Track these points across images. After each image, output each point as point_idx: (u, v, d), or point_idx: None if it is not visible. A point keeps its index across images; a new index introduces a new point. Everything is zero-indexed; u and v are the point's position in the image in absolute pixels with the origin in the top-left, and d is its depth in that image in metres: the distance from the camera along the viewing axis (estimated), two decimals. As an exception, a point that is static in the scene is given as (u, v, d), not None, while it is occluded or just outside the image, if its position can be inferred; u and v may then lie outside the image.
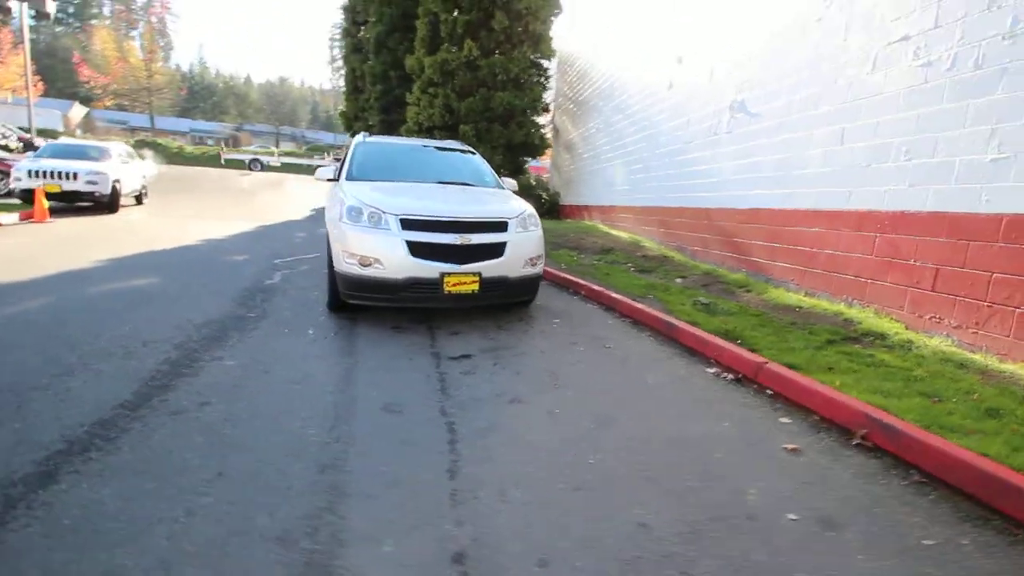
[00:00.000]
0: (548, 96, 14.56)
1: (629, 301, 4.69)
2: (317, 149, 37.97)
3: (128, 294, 4.45)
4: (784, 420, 2.59)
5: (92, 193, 9.72)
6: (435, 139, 12.25)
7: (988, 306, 3.35)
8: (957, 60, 3.61)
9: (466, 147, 5.83)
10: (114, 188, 10.08)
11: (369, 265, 3.73)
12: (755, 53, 6.03)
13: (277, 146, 38.74)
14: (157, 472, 1.88)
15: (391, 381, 2.87)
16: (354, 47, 17.74)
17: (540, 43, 12.60)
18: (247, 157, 30.09)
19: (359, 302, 3.98)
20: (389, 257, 3.71)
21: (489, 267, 3.88)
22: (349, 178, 4.63)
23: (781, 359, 3.13)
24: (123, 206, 11.09)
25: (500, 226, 4.03)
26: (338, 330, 3.79)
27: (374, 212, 3.82)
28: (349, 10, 17.67)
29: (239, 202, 14.16)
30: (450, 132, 12.55)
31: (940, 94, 3.73)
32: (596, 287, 5.35)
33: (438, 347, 3.52)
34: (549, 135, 15.02)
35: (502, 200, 4.51)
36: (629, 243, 8.53)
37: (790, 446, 2.29)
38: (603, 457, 2.14)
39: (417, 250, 3.73)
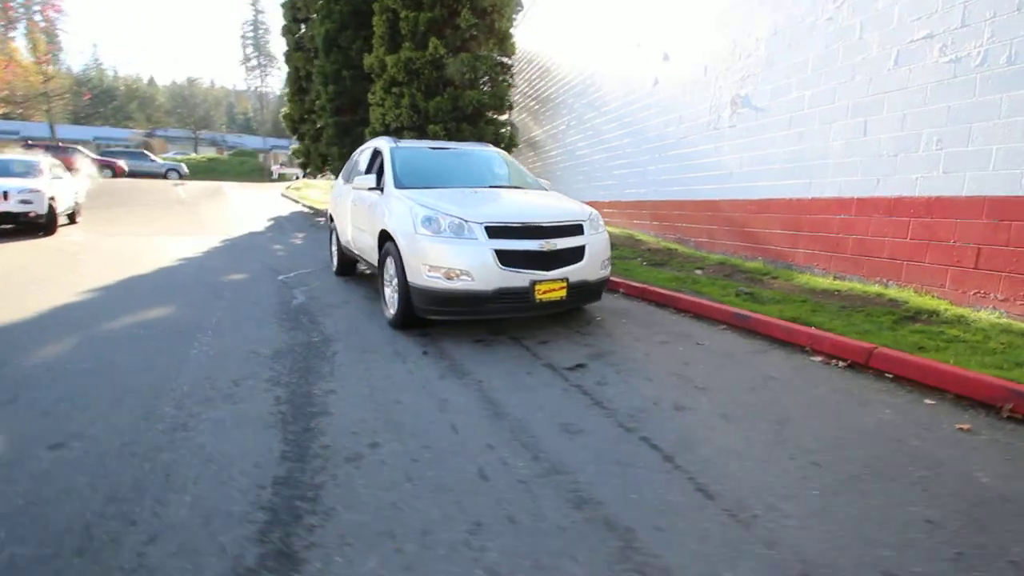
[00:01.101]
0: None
1: (686, 296, 4.77)
2: (244, 154, 35.57)
3: (155, 328, 3.94)
4: (928, 402, 2.73)
5: (26, 214, 8.55)
6: (405, 139, 11.90)
7: (1038, 279, 3.72)
8: (988, 57, 3.95)
9: (488, 146, 5.67)
10: (51, 207, 8.92)
11: (455, 278, 3.53)
12: (756, 52, 6.30)
13: (196, 151, 35.98)
14: (405, 533, 1.66)
15: (537, 399, 2.73)
16: (296, 45, 16.74)
17: (504, 41, 12.50)
18: (167, 167, 27.70)
19: (441, 317, 3.77)
20: (478, 268, 3.54)
21: (573, 272, 3.80)
22: (399, 186, 4.35)
23: (869, 343, 3.30)
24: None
25: (578, 229, 3.95)
26: (425, 348, 3.56)
27: (455, 221, 3.62)
28: (289, 7, 16.62)
29: (185, 215, 12.99)
30: (418, 132, 12.18)
31: (972, 88, 4.07)
32: (637, 284, 5.39)
33: (544, 358, 3.40)
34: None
35: (562, 201, 4.43)
36: (625, 237, 8.67)
37: (963, 426, 2.42)
38: (817, 458, 2.15)
39: (506, 259, 3.58)
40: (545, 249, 3.69)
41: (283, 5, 16.75)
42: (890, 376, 3.07)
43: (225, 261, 7.28)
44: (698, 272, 6.23)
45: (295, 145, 18.06)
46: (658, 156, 8.41)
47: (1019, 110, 3.77)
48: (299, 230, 11.72)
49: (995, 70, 3.91)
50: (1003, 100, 3.87)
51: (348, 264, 6.31)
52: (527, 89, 14.94)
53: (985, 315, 3.90)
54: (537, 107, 14.54)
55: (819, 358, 3.41)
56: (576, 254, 3.85)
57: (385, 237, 4.17)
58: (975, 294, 4.11)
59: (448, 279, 3.54)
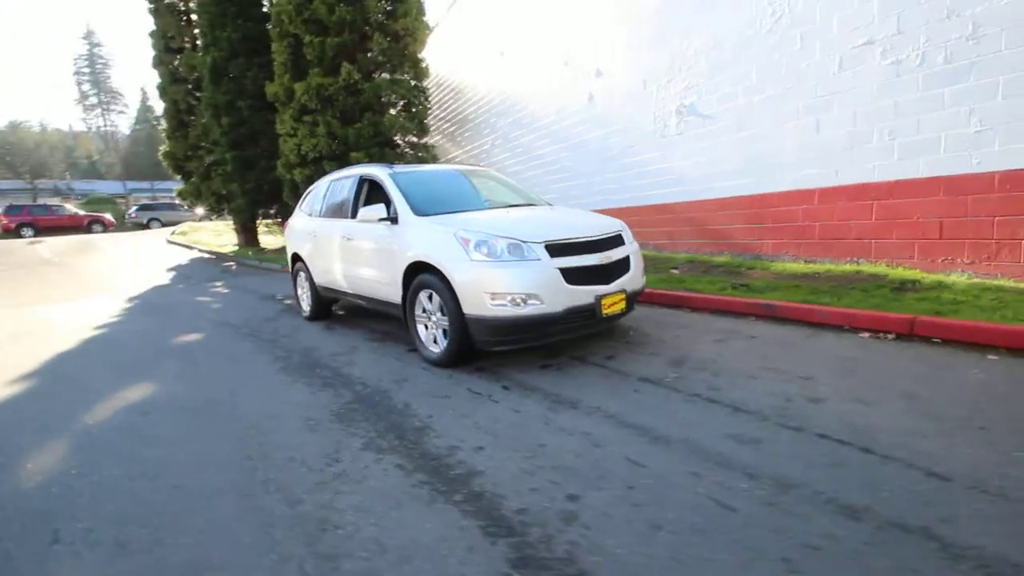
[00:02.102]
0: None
1: (701, 296, 4.94)
2: (101, 201, 31.02)
3: (160, 413, 3.19)
4: (992, 357, 3.05)
5: None
6: (330, 169, 11.15)
7: (996, 243, 4.36)
8: (926, 58, 4.62)
9: (477, 167, 5.48)
10: None
11: (523, 303, 3.31)
12: (697, 64, 6.81)
13: (35, 201, 30.86)
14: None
15: (677, 416, 2.61)
16: (172, 77, 15.00)
17: (417, 65, 12.28)
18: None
19: (506, 348, 3.50)
20: (546, 289, 3.34)
21: (625, 282, 3.75)
22: (419, 213, 4.01)
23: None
24: None
25: (620, 239, 3.92)
26: (501, 383, 3.27)
27: (512, 243, 3.40)
28: (159, 36, 14.83)
29: (63, 277, 10.94)
30: (339, 161, 11.49)
31: (915, 85, 4.72)
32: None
33: (630, 373, 3.28)
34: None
35: (588, 214, 4.38)
36: (581, 248, 8.82)
37: (1048, 374, 2.73)
38: (999, 426, 2.27)
39: (571, 277, 3.43)
40: (604, 263, 3.60)
41: (152, 35, 14.98)
42: (938, 341, 3.40)
43: (158, 322, 6.21)
44: (675, 271, 6.51)
45: (180, 186, 16.12)
46: (603, 167, 8.72)
47: (960, 101, 4.44)
48: (211, 279, 10.42)
49: (934, 69, 4.58)
50: (945, 94, 4.54)
51: (325, 306, 5.71)
52: (439, 112, 14.80)
53: (958, 278, 4.49)
54: (452, 129, 14.45)
55: (866, 335, 3.69)
56: (625, 265, 3.81)
57: (416, 270, 3.81)
58: (943, 261, 4.73)
59: (515, 305, 3.31)
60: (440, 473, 2.23)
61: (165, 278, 10.76)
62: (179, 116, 15.02)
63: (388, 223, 4.18)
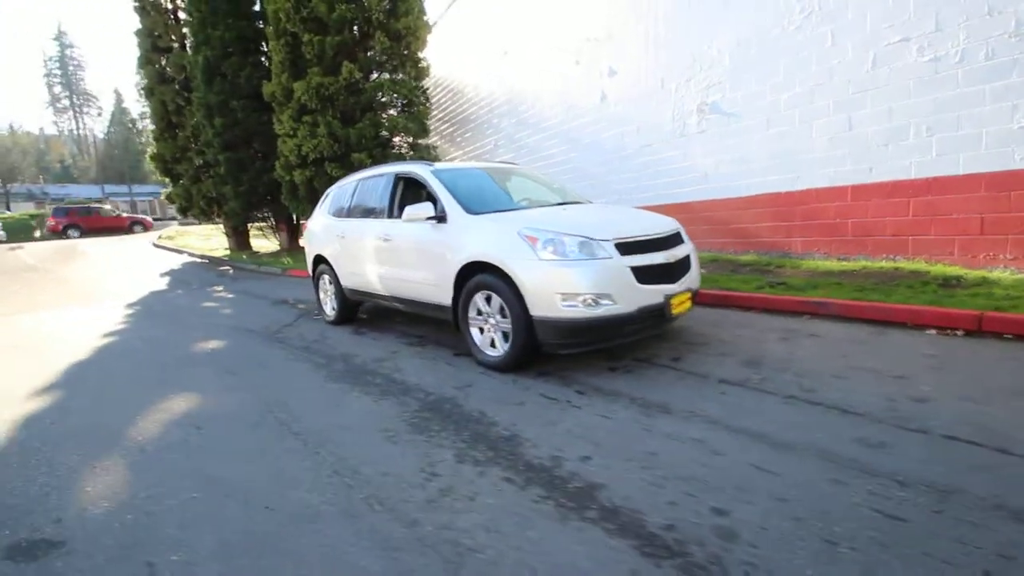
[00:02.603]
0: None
1: (748, 295, 4.86)
2: (78, 204, 29.93)
3: (214, 426, 2.95)
4: (1077, 352, 3.01)
5: None
6: (332, 171, 10.88)
7: (1042, 238, 4.38)
8: (966, 55, 4.62)
9: (513, 164, 5.32)
10: None
11: (595, 303, 3.17)
12: (720, 62, 6.77)
13: (9, 208, 29.72)
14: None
15: (785, 421, 2.50)
16: (160, 77, 14.50)
17: (418, 64, 12.08)
18: None
19: (576, 350, 3.36)
20: (620, 289, 3.21)
21: (689, 281, 3.65)
22: (469, 212, 3.84)
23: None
24: None
25: (680, 237, 3.82)
26: (572, 388, 3.13)
27: (582, 241, 3.26)
28: (145, 35, 14.33)
29: (51, 284, 10.44)
30: (339, 162, 11.25)
31: (955, 82, 4.72)
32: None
33: (707, 375, 3.17)
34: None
35: (641, 212, 4.27)
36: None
37: None
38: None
39: (641, 275, 3.30)
40: (671, 261, 3.49)
41: (137, 33, 14.47)
42: (1009, 336, 3.37)
43: (169, 329, 5.91)
44: (703, 271, 6.44)
45: (168, 189, 15.60)
46: (618, 166, 8.64)
47: (1002, 97, 4.45)
48: (210, 284, 10.07)
49: (975, 65, 4.58)
50: (986, 90, 4.54)
51: (351, 309, 5.50)
52: (437, 113, 14.60)
53: (1002, 274, 4.50)
54: (451, 130, 14.26)
55: (932, 331, 3.64)
56: (687, 263, 3.70)
57: (471, 271, 3.64)
58: (984, 257, 4.73)
59: (587, 306, 3.16)
60: (556, 487, 2.07)
61: (161, 283, 10.35)
62: (168, 117, 14.54)
63: (433, 222, 4.00)
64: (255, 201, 13.69)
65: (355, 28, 11.33)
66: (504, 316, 3.48)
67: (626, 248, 3.33)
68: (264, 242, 16.63)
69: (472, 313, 3.72)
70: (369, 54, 11.52)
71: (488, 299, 3.58)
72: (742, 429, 2.43)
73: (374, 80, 11.43)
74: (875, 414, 2.47)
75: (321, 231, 5.72)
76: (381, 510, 1.98)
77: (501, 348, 3.54)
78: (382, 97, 11.67)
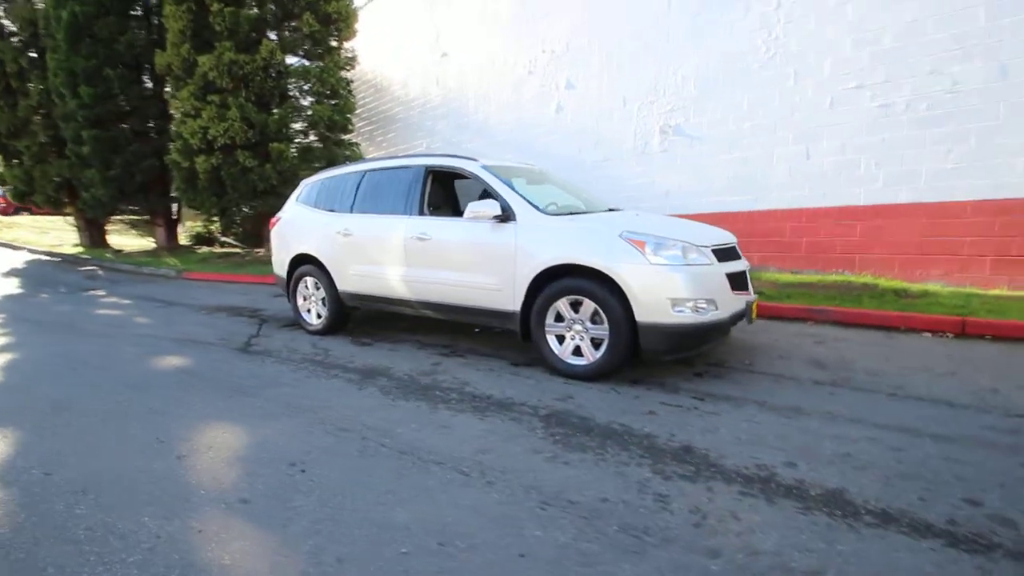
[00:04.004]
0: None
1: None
2: None
3: (334, 451, 2.35)
4: (1052, 350, 3.72)
5: None
6: (244, 160, 9.56)
7: (966, 258, 5.37)
8: (911, 104, 5.55)
9: (536, 166, 5.11)
10: None
11: (701, 310, 3.17)
12: (685, 88, 7.29)
13: None
14: None
15: (920, 415, 2.71)
16: (-5, 28, 11.53)
17: (347, 53, 11.20)
18: None
19: (676, 356, 3.31)
20: (721, 295, 3.25)
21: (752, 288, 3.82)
22: (544, 212, 3.61)
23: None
24: None
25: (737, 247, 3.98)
26: (680, 394, 3.07)
27: (687, 246, 3.23)
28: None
29: None
30: (254, 151, 9.95)
31: (900, 126, 5.63)
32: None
33: (794, 375, 3.33)
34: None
35: (692, 221, 4.36)
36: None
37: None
38: None
39: (733, 282, 3.38)
40: (745, 268, 3.62)
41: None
42: (988, 337, 4.06)
43: (84, 344, 4.65)
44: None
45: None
46: (574, 178, 8.81)
47: (940, 142, 5.41)
48: (81, 287, 8.26)
49: (918, 114, 5.52)
50: (927, 135, 5.49)
51: (344, 318, 4.84)
52: (358, 109, 13.66)
53: (937, 287, 5.43)
54: (371, 129, 13.44)
55: (928, 334, 4.25)
56: (746, 272, 3.88)
57: (549, 275, 3.41)
58: (920, 273, 5.67)
59: (694, 312, 3.14)
60: (803, 496, 1.99)
61: (9, 286, 8.15)
62: (5, 80, 11.61)
63: (494, 222, 3.69)
64: (130, 189, 11.48)
65: (278, 4, 10.18)
66: (596, 323, 3.32)
67: (720, 255, 3.39)
68: (127, 239, 14.02)
69: (550, 320, 3.49)
70: (294, 35, 10.41)
71: (574, 305, 3.38)
72: (888, 425, 2.58)
73: (297, 65, 10.33)
74: (977, 405, 2.79)
75: (305, 228, 4.96)
76: (658, 542, 1.73)
77: (591, 356, 3.35)
78: (305, 84, 10.59)
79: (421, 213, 4.17)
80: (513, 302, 3.62)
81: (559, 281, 3.40)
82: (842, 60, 5.95)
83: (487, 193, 3.87)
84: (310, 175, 10.17)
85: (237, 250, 13.21)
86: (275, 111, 10.15)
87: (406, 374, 3.65)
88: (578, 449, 2.43)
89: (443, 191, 4.79)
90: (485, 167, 4.00)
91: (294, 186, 10.54)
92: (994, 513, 1.84)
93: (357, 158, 11.66)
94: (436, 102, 11.40)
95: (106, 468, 2.29)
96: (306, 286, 4.98)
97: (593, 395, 3.14)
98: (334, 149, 11.02)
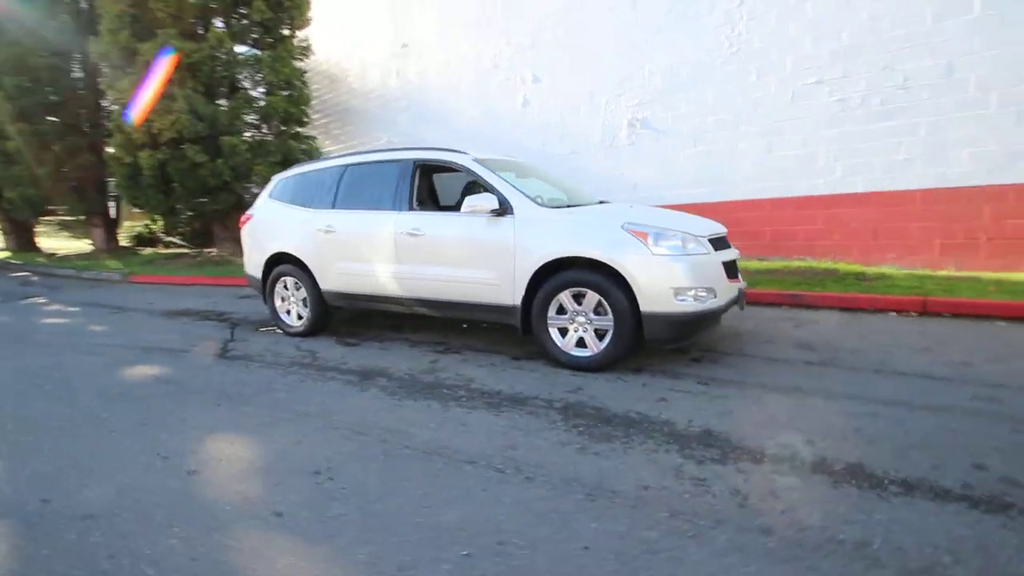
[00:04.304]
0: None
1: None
2: None
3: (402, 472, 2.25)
4: (1001, 324, 4.07)
5: None
6: (194, 156, 9.02)
7: (916, 243, 5.79)
8: (866, 99, 5.90)
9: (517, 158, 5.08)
10: None
11: (702, 298, 3.26)
12: (652, 83, 7.45)
13: None
14: None
15: (916, 389, 2.89)
16: None
17: (301, 43, 10.74)
18: None
19: (676, 345, 3.39)
20: (719, 283, 3.36)
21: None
22: (542, 205, 3.60)
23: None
24: None
25: (724, 236, 4.11)
26: (688, 380, 3.16)
27: (687, 236, 3.31)
28: None
29: None
30: (203, 145, 9.41)
31: (856, 120, 5.98)
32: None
33: (786, 359, 3.49)
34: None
35: (679, 212, 4.45)
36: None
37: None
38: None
39: (728, 270, 3.50)
40: (738, 257, 3.75)
41: None
42: (947, 315, 4.40)
43: (36, 357, 4.28)
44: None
45: None
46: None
47: (892, 135, 5.79)
48: (18, 295, 7.59)
49: (872, 108, 5.88)
50: (880, 128, 5.86)
51: (327, 317, 4.68)
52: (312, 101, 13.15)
53: (891, 270, 5.83)
54: (327, 122, 12.96)
55: (893, 313, 4.55)
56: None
57: (550, 269, 3.42)
58: (875, 257, 6.07)
59: (696, 300, 3.23)
60: (839, 472, 2.07)
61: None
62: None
63: (489, 216, 3.66)
64: (61, 188, 10.59)
65: (225, -10, 9.63)
66: (599, 314, 3.36)
67: (715, 244, 3.50)
68: (58, 242, 12.96)
69: (551, 313, 3.49)
70: (243, 23, 9.87)
71: (577, 297, 3.40)
72: (883, 399, 2.75)
73: (248, 54, 9.81)
74: (955, 377, 3.02)
75: (282, 225, 4.74)
76: (712, 524, 1.77)
77: (595, 347, 3.38)
78: (257, 75, 10.08)
79: (411, 208, 4.07)
80: (513, 296, 3.60)
81: (561, 274, 3.42)
82: (802, 56, 6.25)
83: (476, 187, 3.82)
84: (266, 170, 9.86)
85: (185, 251, 12.48)
86: (223, 103, 9.62)
87: (406, 373, 3.56)
88: (604, 439, 2.46)
89: (427, 185, 4.70)
90: (477, 160, 3.94)
91: (249, 182, 10.17)
92: (1002, 476, 2.00)
93: (314, 152, 11.26)
94: (396, 94, 11.13)
95: (110, 490, 2.12)
96: (285, 286, 4.76)
97: (601, 385, 3.18)
98: (290, 143, 10.60)
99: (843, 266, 6.04)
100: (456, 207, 4.50)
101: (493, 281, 3.66)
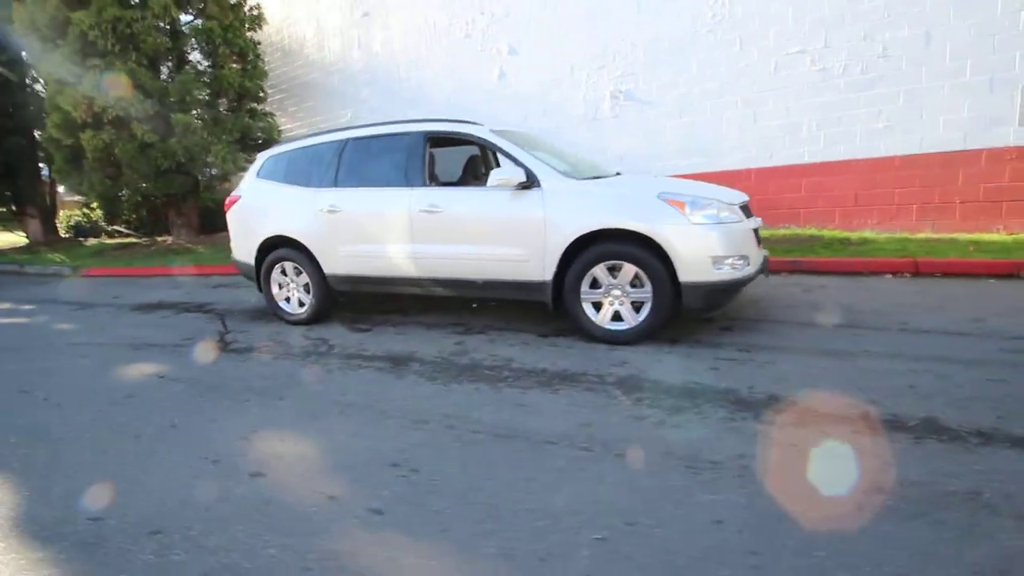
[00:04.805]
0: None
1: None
2: None
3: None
4: (991, 280, 4.33)
5: None
6: (144, 136, 8.30)
7: (896, 207, 6.07)
8: (847, 68, 6.06)
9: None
10: None
11: (738, 266, 3.28)
12: (634, 54, 7.38)
13: None
14: None
15: (931, 344, 3.02)
16: None
17: (252, 12, 9.99)
18: None
19: (712, 313, 3.41)
20: (752, 251, 3.39)
21: (757, 244, 4.01)
22: (570, 176, 3.50)
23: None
24: None
25: (741, 204, 4.14)
26: (728, 348, 3.18)
27: (721, 204, 3.30)
28: None
29: None
30: (153, 123, 8.68)
31: (838, 89, 6.15)
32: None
33: (809, 322, 3.58)
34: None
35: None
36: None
37: (1046, 285, 4.04)
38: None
39: (757, 237, 3.53)
40: (760, 224, 3.79)
41: None
42: (939, 275, 4.64)
43: (18, 364, 3.85)
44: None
45: None
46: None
47: (872, 103, 5.99)
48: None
49: (853, 77, 6.04)
50: (861, 97, 6.04)
51: (331, 302, 4.45)
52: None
53: (873, 234, 6.10)
54: (281, 97, 12.22)
55: (889, 276, 4.76)
56: (752, 228, 4.06)
57: (576, 244, 3.34)
58: (857, 223, 6.33)
59: (733, 268, 3.25)
60: (915, 428, 2.12)
61: None
62: None
63: (513, 190, 3.52)
64: (-13, 175, 9.54)
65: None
66: (635, 286, 3.32)
67: (745, 211, 3.51)
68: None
69: (584, 287, 3.42)
70: (189, -12, 9.06)
71: (612, 269, 3.35)
72: (921, 356, 2.85)
73: (197, 23, 9.02)
74: (976, 333, 3.18)
75: (277, 206, 4.42)
76: (879, 492, 1.78)
77: (632, 320, 3.35)
78: (207, 46, 9.31)
79: (425, 184, 3.86)
80: (543, 272, 3.50)
81: (595, 247, 3.34)
82: (785, 27, 6.33)
83: (479, 160, 3.69)
84: (223, 150, 9.21)
85: (133, 240, 11.58)
86: (165, 78, 8.86)
87: (437, 357, 3.42)
88: (675, 411, 2.43)
89: (442, 158, 4.49)
90: (495, 132, 3.77)
91: (206, 164, 9.46)
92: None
93: (273, 130, 10.62)
94: (358, 67, 10.59)
95: (170, 501, 1.91)
96: (282, 272, 4.46)
97: (646, 358, 3.16)
98: (247, 120, 9.93)
99: (827, 232, 6.27)
100: (458, 182, 4.35)
101: (521, 257, 3.54)
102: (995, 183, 5.51)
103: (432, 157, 3.99)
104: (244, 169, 10.49)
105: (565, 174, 3.55)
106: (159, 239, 10.66)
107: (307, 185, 4.31)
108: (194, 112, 8.85)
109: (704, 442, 2.13)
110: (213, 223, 11.62)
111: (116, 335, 4.47)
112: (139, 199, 9.32)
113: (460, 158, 4.70)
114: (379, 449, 2.22)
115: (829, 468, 1.91)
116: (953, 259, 4.70)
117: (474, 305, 4.66)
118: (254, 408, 2.75)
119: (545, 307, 3.59)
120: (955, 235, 5.59)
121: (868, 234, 6.03)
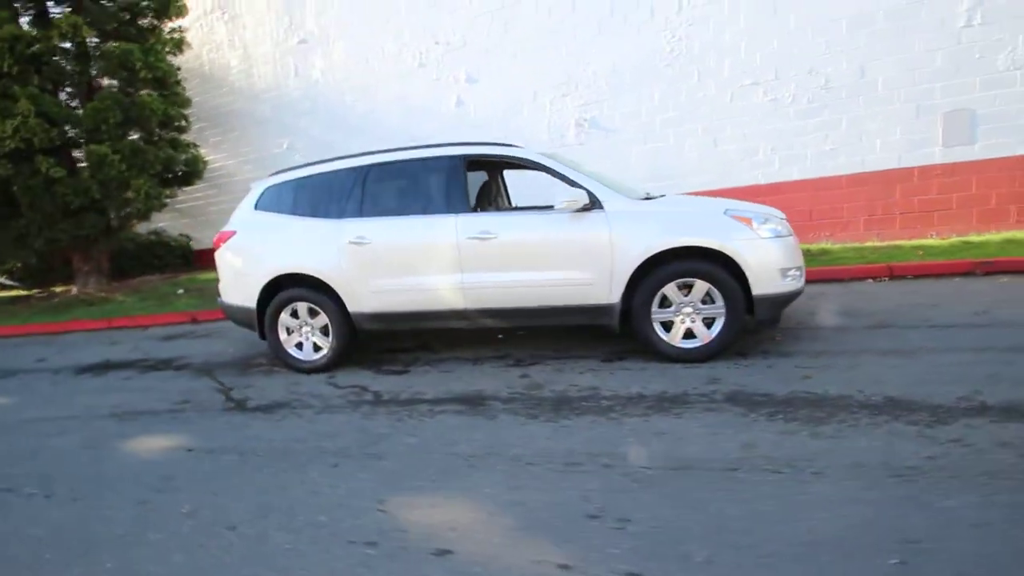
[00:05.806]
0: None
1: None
2: None
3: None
4: (956, 279, 4.93)
5: None
6: (48, 169, 7.15)
7: (845, 220, 6.78)
8: (796, 98, 6.74)
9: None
10: None
11: (797, 276, 3.43)
12: (596, 84, 7.68)
13: None
14: None
15: (975, 337, 3.32)
16: None
17: (174, 36, 9.08)
18: None
19: (773, 324, 3.50)
20: (801, 261, 3.55)
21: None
22: (630, 198, 3.48)
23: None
24: None
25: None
26: (796, 357, 3.28)
27: (778, 217, 3.45)
28: None
29: None
30: (58, 156, 7.53)
31: (788, 116, 6.81)
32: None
33: (848, 327, 3.81)
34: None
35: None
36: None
37: (1004, 280, 4.66)
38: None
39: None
40: (791, 236, 4.01)
41: None
42: (910, 277, 5.21)
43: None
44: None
45: None
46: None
47: (819, 129, 6.69)
48: None
49: (801, 106, 6.73)
50: (809, 124, 6.74)
51: (353, 345, 4.01)
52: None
53: (829, 245, 6.75)
54: (202, 126, 11.17)
55: (870, 280, 5.26)
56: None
57: (654, 261, 3.31)
58: (812, 236, 6.97)
59: (793, 279, 3.39)
60: (1028, 414, 2.31)
61: None
62: None
63: (571, 213, 3.43)
64: None
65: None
66: (706, 303, 3.34)
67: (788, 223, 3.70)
68: None
69: (654, 307, 3.38)
70: (102, 9, 8.03)
71: (683, 288, 3.34)
72: (971, 348, 3.13)
73: (115, 46, 7.99)
74: (995, 323, 3.55)
75: (286, 241, 3.92)
76: (987, 480, 1.84)
77: (705, 336, 3.35)
78: (124, 71, 8.26)
79: (473, 210, 3.65)
80: (609, 294, 3.42)
81: (666, 266, 3.32)
82: (738, 61, 6.93)
83: (492, 184, 3.65)
84: (146, 185, 8.15)
85: (21, 292, 9.80)
86: (90, 104, 7.74)
87: (513, 393, 3.18)
88: (816, 422, 2.43)
89: (485, 184, 4.29)
90: (544, 154, 3.67)
91: (125, 202, 8.29)
92: None
93: (198, 162, 9.65)
94: (296, 95, 10.03)
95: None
96: (293, 314, 3.94)
97: (735, 373, 3.15)
98: (169, 151, 8.91)
99: (789, 245, 6.83)
100: (510, 207, 4.19)
101: (586, 280, 3.43)
102: (927, 196, 6.36)
103: (466, 182, 3.78)
104: (165, 205, 9.42)
105: (627, 196, 3.53)
106: (58, 289, 9.11)
107: (325, 216, 3.88)
108: (108, 143, 7.75)
109: (877, 449, 2.13)
110: (127, 268, 10.19)
111: (80, 405, 3.66)
112: (38, 244, 7.90)
113: (474, 184, 4.53)
114: (558, 501, 1.97)
115: (1004, 457, 1.99)
116: (914, 263, 5.31)
117: (500, 336, 4.42)
118: (356, 472, 2.34)
119: (597, 330, 3.50)
120: (899, 242, 6.34)
121: (826, 245, 6.65)
